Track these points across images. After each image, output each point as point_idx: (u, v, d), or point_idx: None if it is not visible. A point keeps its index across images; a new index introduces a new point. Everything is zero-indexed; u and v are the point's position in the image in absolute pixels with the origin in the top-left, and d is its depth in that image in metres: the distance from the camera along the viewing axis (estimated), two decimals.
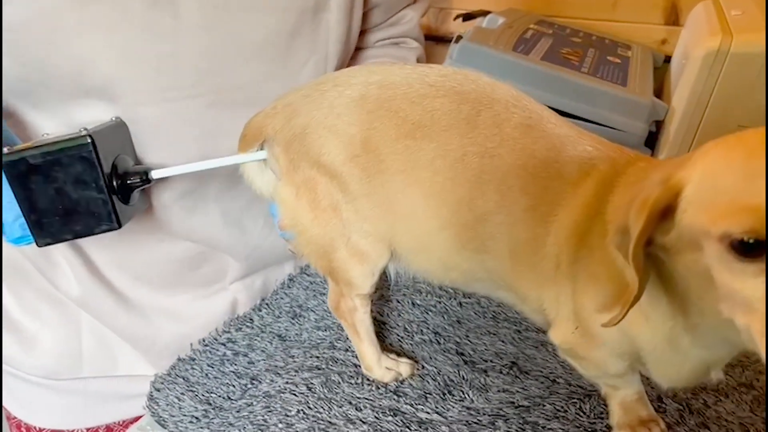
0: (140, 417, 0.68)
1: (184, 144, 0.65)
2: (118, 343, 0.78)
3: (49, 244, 0.58)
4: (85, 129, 0.55)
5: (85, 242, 0.71)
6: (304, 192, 0.58)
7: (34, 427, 0.82)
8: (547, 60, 1.01)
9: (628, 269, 0.40)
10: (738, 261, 0.35)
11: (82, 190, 0.56)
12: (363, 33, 0.76)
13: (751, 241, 0.34)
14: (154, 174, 0.60)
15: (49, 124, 0.62)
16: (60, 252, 0.71)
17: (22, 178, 0.54)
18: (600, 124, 0.95)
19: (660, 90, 1.13)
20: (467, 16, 1.31)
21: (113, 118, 0.61)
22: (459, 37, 1.08)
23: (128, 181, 0.59)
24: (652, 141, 1.00)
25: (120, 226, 0.59)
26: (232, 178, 0.68)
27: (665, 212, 0.39)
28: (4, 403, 0.83)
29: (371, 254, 0.59)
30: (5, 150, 0.53)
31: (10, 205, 0.55)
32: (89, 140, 0.54)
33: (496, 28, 1.12)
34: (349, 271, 0.60)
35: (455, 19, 1.34)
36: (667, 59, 1.20)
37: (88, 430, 0.82)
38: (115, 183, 0.58)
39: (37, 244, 0.57)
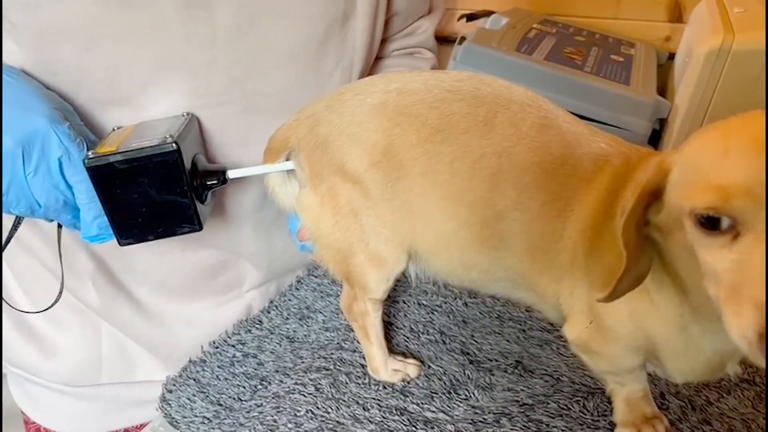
0: None
1: (217, 150, 0.66)
2: (137, 350, 0.79)
3: (131, 243, 0.59)
4: (171, 136, 0.56)
5: (105, 252, 0.73)
6: (328, 198, 0.59)
7: None
8: (550, 60, 1.02)
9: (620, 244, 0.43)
10: (705, 235, 0.38)
11: (165, 195, 0.57)
12: (381, 42, 0.78)
13: (713, 216, 0.37)
14: (230, 174, 0.61)
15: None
16: (79, 262, 0.72)
17: (107, 182, 0.55)
18: (604, 123, 0.95)
19: (664, 87, 1.14)
20: (471, 17, 1.32)
21: (184, 114, 0.62)
22: (462, 39, 1.08)
23: (207, 182, 0.60)
24: (656, 139, 1.00)
25: (201, 228, 0.60)
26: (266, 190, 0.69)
27: (658, 192, 0.42)
28: (23, 408, 0.84)
29: (389, 260, 0.60)
30: (89, 153, 0.54)
31: (89, 205, 0.56)
32: (175, 147, 0.55)
33: (499, 28, 1.13)
34: (365, 275, 0.61)
35: (459, 19, 1.35)
36: (671, 56, 1.20)
37: None
38: (195, 183, 0.59)
39: (119, 243, 0.59)
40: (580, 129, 0.54)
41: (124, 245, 0.59)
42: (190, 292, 0.78)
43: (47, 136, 0.52)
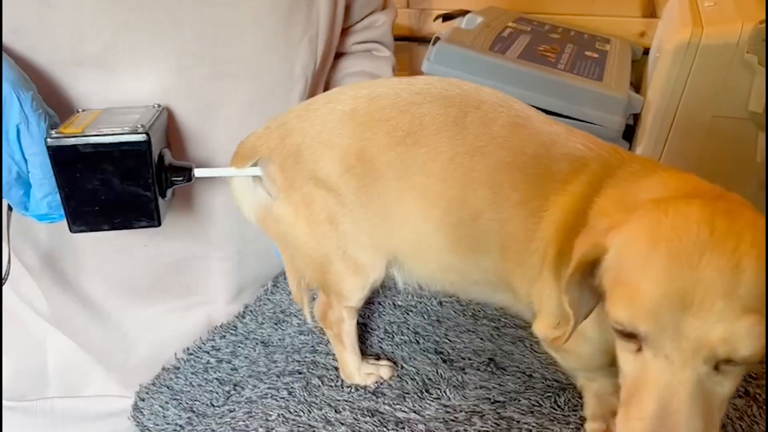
0: None
1: (184, 115, 0.66)
2: (87, 361, 0.77)
3: (83, 231, 0.57)
4: (142, 126, 0.54)
5: (56, 249, 0.70)
6: (302, 207, 0.59)
7: None
8: (524, 58, 1.02)
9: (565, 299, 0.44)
10: (619, 336, 0.41)
11: (128, 185, 0.55)
12: (341, 34, 0.78)
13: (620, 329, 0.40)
14: (197, 172, 0.60)
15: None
16: (27, 262, 0.70)
17: (68, 165, 0.53)
18: (577, 120, 0.96)
19: (639, 83, 1.14)
20: (447, 17, 1.32)
21: (155, 105, 0.60)
22: (437, 39, 1.09)
23: (172, 178, 0.59)
24: (629, 134, 1.01)
25: (159, 224, 0.58)
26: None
27: (596, 262, 0.43)
28: None
29: (366, 267, 0.60)
30: (53, 132, 0.52)
31: (42, 181, 0.54)
32: (146, 138, 0.53)
33: (473, 28, 1.14)
34: (341, 283, 0.61)
35: (435, 20, 1.35)
36: (646, 51, 1.21)
37: None
38: (159, 177, 0.57)
39: (70, 230, 0.56)
40: (556, 129, 0.54)
41: (75, 232, 0.56)
42: (150, 293, 0.76)
43: (9, 101, 0.50)
